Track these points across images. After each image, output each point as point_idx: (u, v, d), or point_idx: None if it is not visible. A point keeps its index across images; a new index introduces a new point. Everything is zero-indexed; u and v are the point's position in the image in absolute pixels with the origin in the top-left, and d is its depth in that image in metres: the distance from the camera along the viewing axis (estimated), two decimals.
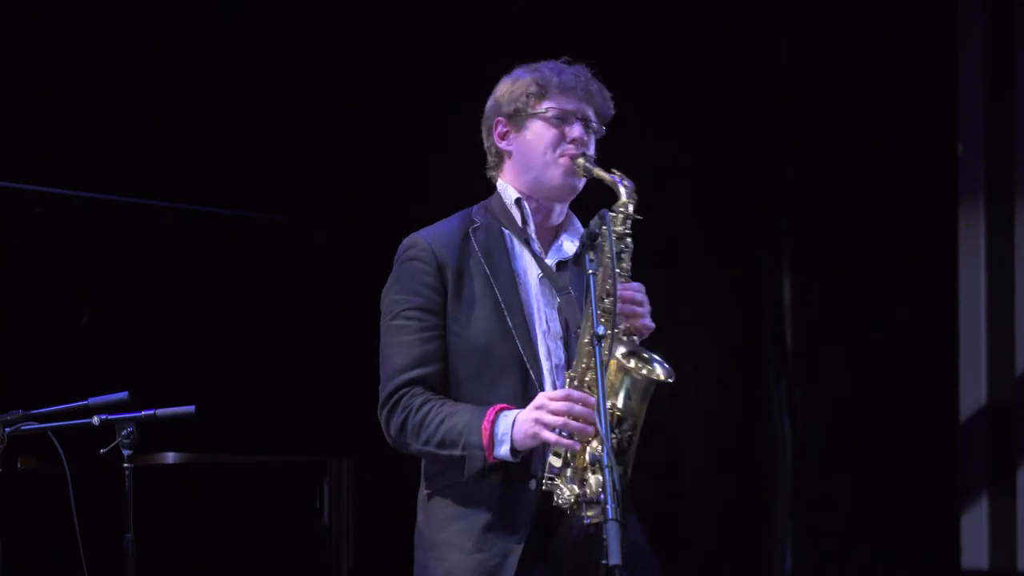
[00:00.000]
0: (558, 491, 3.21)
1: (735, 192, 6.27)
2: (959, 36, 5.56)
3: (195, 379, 5.46)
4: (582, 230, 3.39)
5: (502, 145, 3.46)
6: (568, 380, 3.28)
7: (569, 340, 3.36)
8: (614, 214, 3.29)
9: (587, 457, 3.21)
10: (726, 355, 6.28)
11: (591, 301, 3.12)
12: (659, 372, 3.24)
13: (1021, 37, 5.49)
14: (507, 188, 3.46)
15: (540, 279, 3.40)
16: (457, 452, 3.26)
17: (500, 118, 3.45)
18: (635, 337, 3.30)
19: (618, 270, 3.26)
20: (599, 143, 3.46)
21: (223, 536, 5.29)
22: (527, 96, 3.41)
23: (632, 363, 3.23)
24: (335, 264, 5.87)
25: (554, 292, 3.39)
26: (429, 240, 3.39)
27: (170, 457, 5.47)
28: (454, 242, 3.40)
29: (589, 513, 3.20)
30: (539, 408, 3.21)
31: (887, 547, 6.03)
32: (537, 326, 3.36)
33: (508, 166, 3.47)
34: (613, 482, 2.95)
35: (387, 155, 6.20)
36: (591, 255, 3.17)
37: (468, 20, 6.13)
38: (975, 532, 5.52)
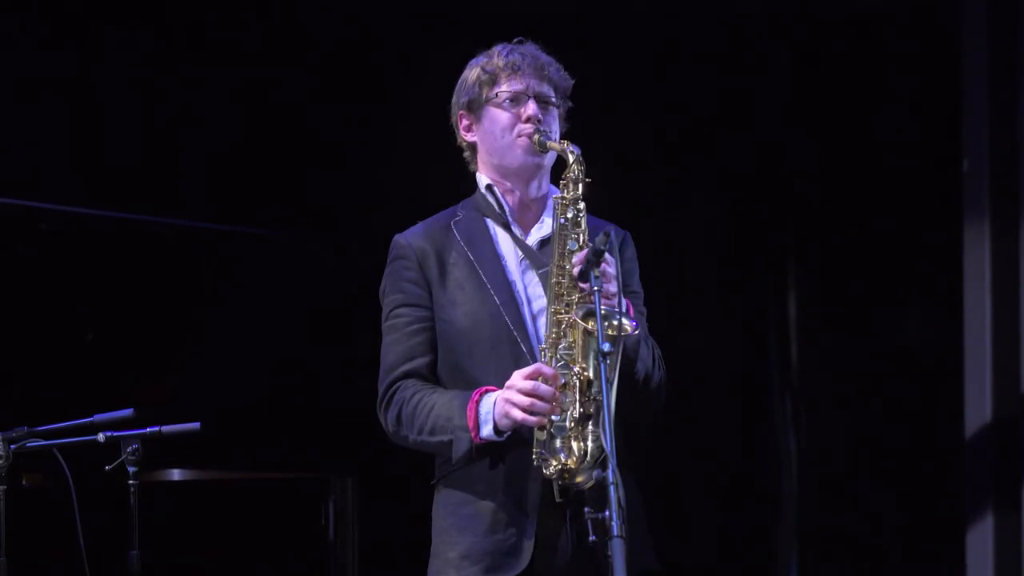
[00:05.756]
0: (545, 464, 3.22)
1: (739, 209, 6.27)
2: (963, 52, 5.56)
3: (200, 396, 5.46)
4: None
5: (468, 137, 3.53)
6: (541, 352, 3.30)
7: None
8: (564, 181, 3.34)
9: (568, 424, 3.21)
10: (730, 372, 6.27)
11: (597, 319, 3.12)
12: (625, 325, 3.20)
13: None
14: (481, 177, 3.52)
15: (521, 261, 3.43)
16: (446, 437, 3.30)
17: (461, 111, 3.52)
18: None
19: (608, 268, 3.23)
20: (573, 115, 3.49)
21: (228, 553, 5.28)
22: (479, 84, 3.47)
23: (591, 324, 3.19)
24: (341, 281, 5.86)
25: (535, 272, 3.41)
26: (407, 238, 3.48)
27: (175, 474, 5.47)
28: (433, 234, 3.47)
29: (579, 479, 3.21)
30: (508, 388, 3.24)
31: (893, 564, 6.02)
32: (524, 304, 3.39)
33: (479, 157, 3.52)
34: (618, 499, 2.95)
35: (389, 165, 6.20)
36: (596, 272, 3.17)
37: (472, 22, 6.12)
38: (980, 548, 5.51)
